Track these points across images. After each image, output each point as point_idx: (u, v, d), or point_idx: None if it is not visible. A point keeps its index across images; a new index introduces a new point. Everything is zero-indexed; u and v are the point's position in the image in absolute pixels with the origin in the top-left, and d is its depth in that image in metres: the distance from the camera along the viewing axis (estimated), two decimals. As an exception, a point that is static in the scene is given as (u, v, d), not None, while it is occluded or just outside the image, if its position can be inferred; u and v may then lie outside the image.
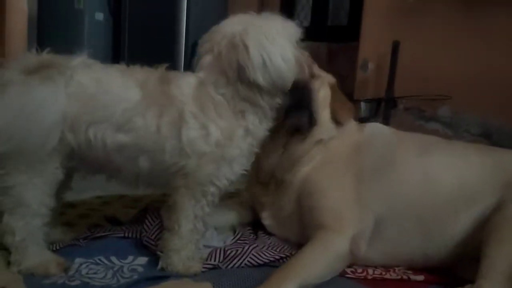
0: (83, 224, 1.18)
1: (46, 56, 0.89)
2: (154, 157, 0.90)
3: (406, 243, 1.04)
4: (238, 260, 0.97)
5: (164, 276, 0.91)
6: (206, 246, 1.07)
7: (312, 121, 1.08)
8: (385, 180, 1.06)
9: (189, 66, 3.48)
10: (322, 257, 0.94)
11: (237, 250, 0.99)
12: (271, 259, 1.00)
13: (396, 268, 1.05)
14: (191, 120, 0.89)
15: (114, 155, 0.89)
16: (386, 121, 2.59)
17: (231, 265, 0.97)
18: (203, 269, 0.95)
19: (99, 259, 0.94)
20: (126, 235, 1.05)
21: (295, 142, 1.11)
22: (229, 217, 1.26)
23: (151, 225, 1.08)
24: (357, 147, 1.11)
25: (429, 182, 1.05)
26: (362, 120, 2.73)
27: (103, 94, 0.89)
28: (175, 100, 0.90)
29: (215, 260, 0.98)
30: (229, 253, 0.98)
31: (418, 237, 1.03)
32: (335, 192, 1.05)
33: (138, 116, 0.88)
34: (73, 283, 0.83)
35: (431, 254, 1.03)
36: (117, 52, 3.93)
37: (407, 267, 1.05)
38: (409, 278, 1.00)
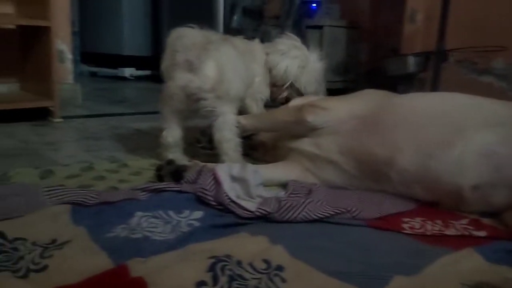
0: (136, 181, 1.21)
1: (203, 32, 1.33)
2: None
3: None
4: (294, 213, 0.97)
5: (220, 227, 0.93)
6: (259, 196, 1.07)
7: None
8: None
9: (229, 26, 3.43)
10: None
11: (292, 202, 0.98)
12: (326, 214, 0.99)
13: (456, 224, 1.02)
14: None
15: None
16: (436, 76, 2.48)
17: (286, 216, 0.96)
18: (257, 213, 0.97)
19: (158, 213, 0.96)
20: (182, 189, 1.07)
21: None
22: (279, 175, 1.27)
23: (206, 178, 1.10)
24: None
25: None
26: (410, 75, 2.63)
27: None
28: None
29: (269, 208, 0.98)
30: (284, 204, 0.98)
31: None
32: None
33: None
34: (135, 236, 0.85)
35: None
36: (156, 11, 3.92)
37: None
38: (470, 234, 0.97)
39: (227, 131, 1.33)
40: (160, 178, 1.22)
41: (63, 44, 2.45)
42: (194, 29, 1.30)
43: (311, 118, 1.25)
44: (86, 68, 4.31)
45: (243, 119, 1.40)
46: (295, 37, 1.71)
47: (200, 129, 1.43)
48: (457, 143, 1.07)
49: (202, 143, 1.43)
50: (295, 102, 1.43)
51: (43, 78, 2.09)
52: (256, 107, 1.64)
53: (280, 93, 1.70)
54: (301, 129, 1.28)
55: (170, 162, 1.24)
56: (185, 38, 1.28)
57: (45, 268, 0.73)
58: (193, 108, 1.33)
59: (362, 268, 0.78)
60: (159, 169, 1.23)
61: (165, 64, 1.33)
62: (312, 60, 1.69)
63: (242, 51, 1.49)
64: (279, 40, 1.69)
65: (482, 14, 2.40)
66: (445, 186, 1.07)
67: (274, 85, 1.69)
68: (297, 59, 1.65)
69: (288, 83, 1.67)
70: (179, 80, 1.28)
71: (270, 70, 1.66)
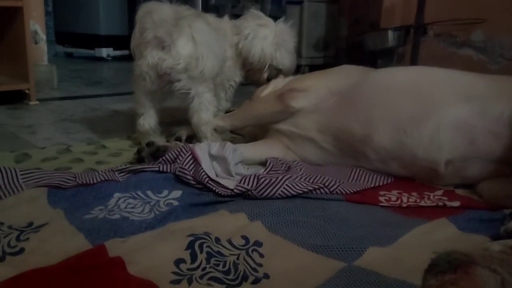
0: (115, 162, 1.20)
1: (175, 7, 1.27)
2: None
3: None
4: (272, 190, 0.97)
5: (199, 205, 0.93)
6: (238, 174, 1.08)
7: None
8: None
9: (207, 2, 3.36)
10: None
11: (270, 179, 0.99)
12: (304, 190, 1.00)
13: (431, 195, 1.04)
14: None
15: None
16: (415, 50, 2.49)
17: (265, 193, 0.97)
18: (236, 190, 0.98)
19: (136, 194, 0.96)
20: (161, 169, 1.06)
21: None
22: (260, 153, 1.28)
23: (183, 156, 1.10)
24: None
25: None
26: (390, 50, 2.64)
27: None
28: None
29: (248, 185, 0.99)
30: (263, 181, 0.98)
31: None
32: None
33: None
34: (113, 217, 0.85)
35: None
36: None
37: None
38: (444, 204, 0.99)
39: (204, 113, 1.30)
40: (140, 159, 1.21)
41: (36, 25, 2.38)
42: (164, 4, 1.23)
43: (295, 103, 1.24)
44: (61, 49, 4.21)
45: (220, 121, 1.36)
46: (258, 13, 1.63)
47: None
48: (431, 118, 1.07)
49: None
50: (267, 89, 1.43)
51: (18, 60, 2.03)
52: (225, 96, 1.59)
53: (260, 76, 1.64)
54: (285, 115, 1.27)
55: (151, 143, 1.23)
56: (154, 14, 1.20)
57: (21, 251, 0.72)
58: (166, 89, 1.29)
59: (338, 241, 0.79)
60: (139, 151, 1.22)
61: (134, 42, 1.27)
62: (282, 33, 1.60)
63: (215, 28, 1.43)
64: (243, 20, 1.60)
65: (461, -14, 2.40)
66: (420, 162, 1.09)
67: (251, 69, 1.63)
68: (268, 38, 1.57)
69: (267, 65, 1.61)
70: (149, 58, 1.23)
71: (241, 54, 1.58)
